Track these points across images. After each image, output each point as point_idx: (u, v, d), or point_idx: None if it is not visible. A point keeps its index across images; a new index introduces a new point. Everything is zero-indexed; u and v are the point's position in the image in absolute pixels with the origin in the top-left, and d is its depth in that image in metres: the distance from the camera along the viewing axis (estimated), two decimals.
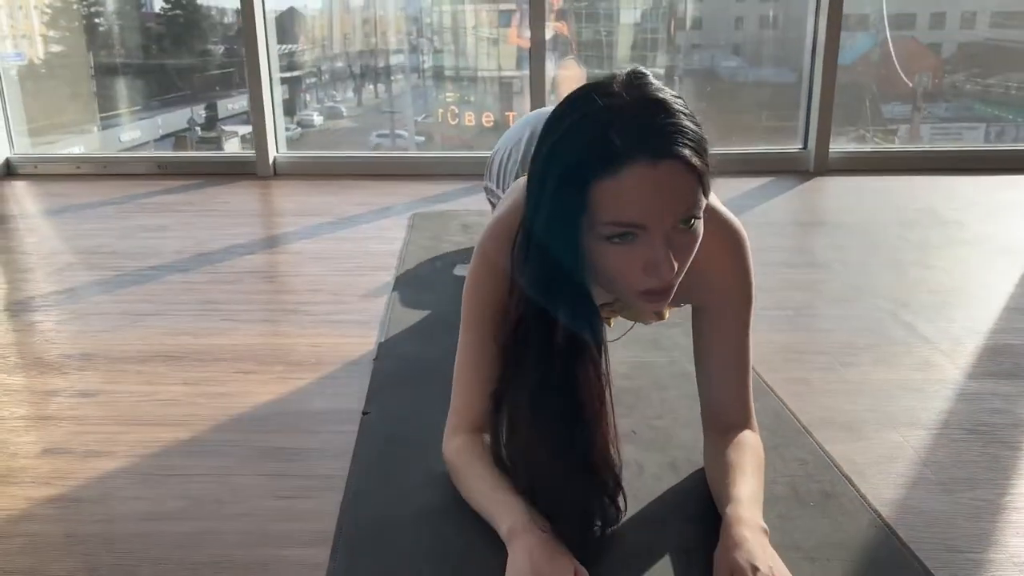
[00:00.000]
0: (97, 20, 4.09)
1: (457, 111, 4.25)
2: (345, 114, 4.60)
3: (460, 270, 2.02)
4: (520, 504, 0.95)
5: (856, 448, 1.23)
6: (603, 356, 0.96)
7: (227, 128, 4.38)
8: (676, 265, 0.85)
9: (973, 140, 4.25)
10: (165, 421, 1.33)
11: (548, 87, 3.23)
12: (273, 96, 3.28)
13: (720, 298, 1.07)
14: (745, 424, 1.10)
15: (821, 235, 2.45)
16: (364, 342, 1.63)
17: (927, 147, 3.75)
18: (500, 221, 1.03)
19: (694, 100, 4.23)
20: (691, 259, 0.89)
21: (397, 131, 4.54)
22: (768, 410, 1.33)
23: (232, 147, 4.38)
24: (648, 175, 0.81)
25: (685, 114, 0.84)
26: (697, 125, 0.85)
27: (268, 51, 3.24)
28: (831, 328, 1.71)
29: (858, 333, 1.67)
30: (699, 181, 0.84)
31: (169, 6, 4.10)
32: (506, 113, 4.18)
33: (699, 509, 1.05)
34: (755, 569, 0.85)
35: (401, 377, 1.46)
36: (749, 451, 1.06)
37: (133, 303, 1.86)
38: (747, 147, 3.46)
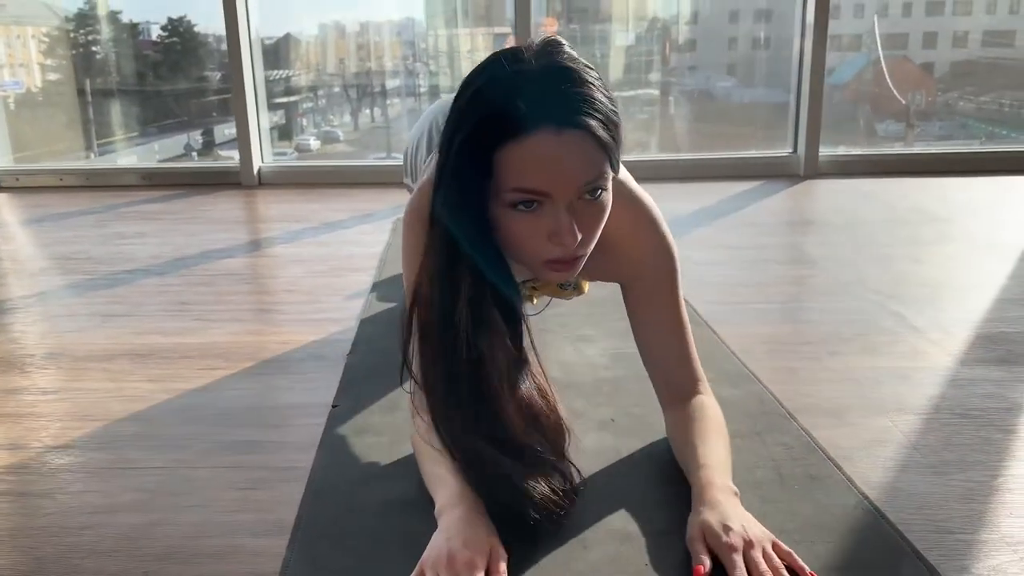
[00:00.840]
0: (94, 48, 4.09)
1: None
2: (342, 138, 4.60)
3: None
4: (453, 481, 0.91)
5: (842, 433, 1.18)
6: (521, 328, 0.93)
7: (224, 153, 4.36)
8: (580, 235, 0.85)
9: (927, 146, 4.23)
10: (125, 417, 1.28)
11: None
12: (258, 102, 3.26)
13: (642, 271, 1.06)
14: (696, 389, 1.08)
15: (810, 234, 2.41)
16: (338, 339, 1.59)
17: (916, 150, 3.74)
18: (415, 199, 1.01)
19: (690, 120, 4.27)
20: (598, 230, 0.89)
21: (394, 154, 4.53)
22: (751, 396, 1.28)
23: None
24: (552, 142, 0.81)
25: (595, 85, 0.83)
26: (608, 97, 0.84)
27: (252, 57, 3.22)
28: (818, 320, 1.66)
29: (846, 324, 1.63)
30: (605, 152, 0.84)
31: (166, 34, 4.10)
32: None
33: (675, 493, 1.00)
34: (727, 528, 0.83)
35: (374, 371, 1.41)
36: (709, 417, 1.04)
37: (103, 305, 1.82)
38: (738, 152, 3.43)
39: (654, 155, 3.73)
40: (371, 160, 3.95)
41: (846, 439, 1.16)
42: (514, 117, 0.81)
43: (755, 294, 1.81)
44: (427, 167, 1.10)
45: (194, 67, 4.24)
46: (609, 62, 4.10)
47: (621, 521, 0.95)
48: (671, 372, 1.07)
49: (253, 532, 0.97)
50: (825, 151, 3.25)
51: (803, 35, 3.20)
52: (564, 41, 0.86)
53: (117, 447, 1.18)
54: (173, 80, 4.20)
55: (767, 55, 4.26)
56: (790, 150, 3.30)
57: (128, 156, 4.13)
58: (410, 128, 4.38)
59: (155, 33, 4.09)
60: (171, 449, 1.17)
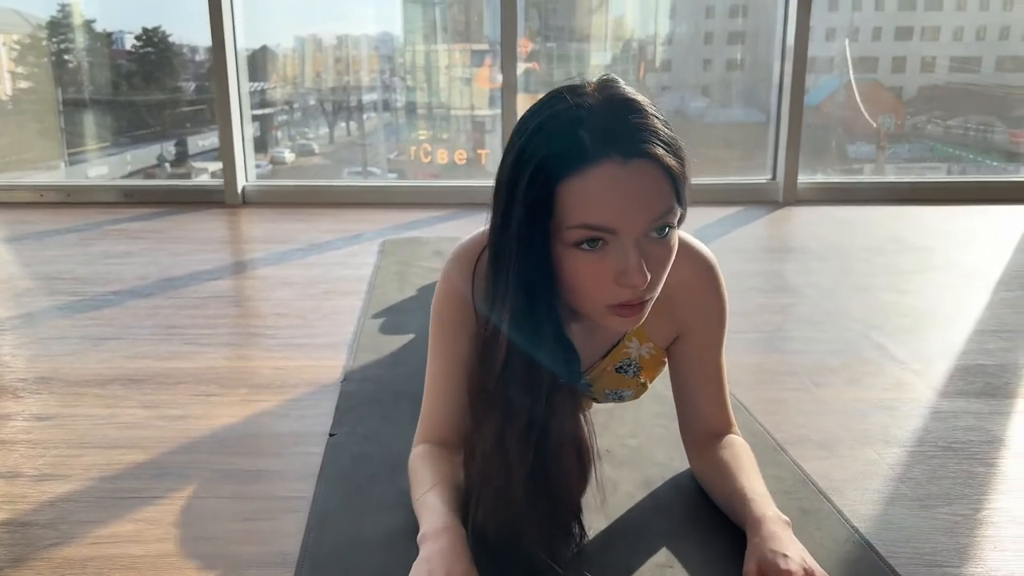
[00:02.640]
0: (67, 57, 4.05)
1: (430, 148, 4.26)
2: (317, 151, 4.60)
3: None
4: (441, 509, 0.91)
5: (831, 465, 1.21)
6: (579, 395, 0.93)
7: (197, 164, 4.35)
8: (649, 276, 0.81)
9: (906, 175, 4.34)
10: (122, 444, 1.28)
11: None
12: (243, 121, 3.26)
13: (695, 325, 1.07)
14: (728, 430, 1.10)
15: (791, 261, 2.46)
16: (331, 365, 1.60)
17: (893, 179, 3.82)
18: (465, 245, 1.02)
19: None
20: (666, 273, 0.86)
21: (369, 168, 4.55)
22: (742, 428, 1.29)
23: (201, 182, 4.35)
24: (618, 173, 0.78)
25: (658, 117, 0.82)
26: (670, 129, 0.83)
27: (238, 75, 3.22)
28: (803, 350, 1.70)
29: (830, 354, 1.67)
30: (673, 185, 0.81)
31: (140, 43, 4.08)
32: (478, 151, 4.21)
33: (674, 525, 1.03)
34: (786, 558, 0.84)
35: (369, 399, 1.42)
36: (742, 452, 1.06)
37: (93, 327, 1.81)
38: (717, 177, 3.49)
39: None
40: (358, 180, 3.96)
41: (836, 471, 1.19)
42: (578, 150, 0.78)
43: (741, 323, 1.85)
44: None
45: (168, 78, 4.22)
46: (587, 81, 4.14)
47: (623, 554, 0.97)
48: (706, 417, 1.09)
49: (258, 564, 0.98)
50: (803, 178, 3.31)
51: (783, 60, 3.27)
52: (619, 78, 0.85)
53: (116, 476, 1.18)
54: (146, 90, 4.18)
55: (741, 76, 4.34)
56: (769, 176, 3.36)
57: (100, 167, 4.09)
58: (388, 137, 4.31)
59: (129, 43, 4.07)
60: (171, 478, 1.18)
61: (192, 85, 4.32)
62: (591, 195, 0.78)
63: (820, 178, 3.44)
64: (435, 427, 1.06)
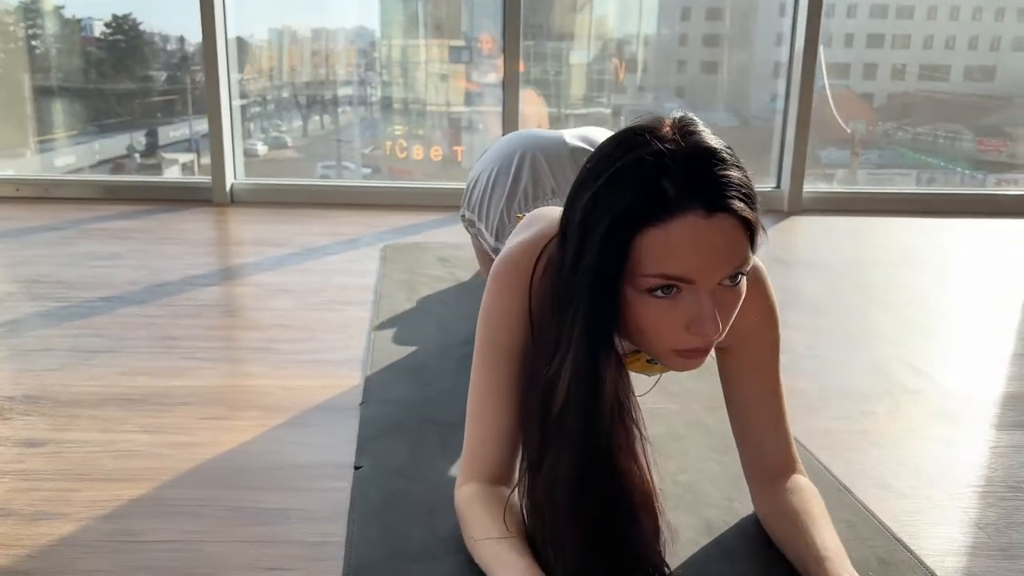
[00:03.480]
0: (34, 43, 3.90)
1: (405, 144, 4.19)
2: (290, 144, 4.49)
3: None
4: (521, 564, 0.85)
5: (896, 507, 1.13)
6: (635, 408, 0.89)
7: (168, 155, 4.22)
8: (720, 324, 0.81)
9: (904, 186, 4.38)
10: (125, 476, 1.16)
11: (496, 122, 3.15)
12: (232, 118, 3.13)
13: (747, 335, 0.99)
14: (793, 466, 1.02)
15: (809, 275, 2.38)
16: (345, 384, 1.49)
17: (904, 189, 3.80)
18: (515, 258, 0.95)
19: None
20: (733, 318, 0.85)
21: (344, 162, 4.47)
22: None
23: (172, 175, 4.23)
24: (700, 227, 0.77)
25: (739, 166, 0.80)
26: (747, 176, 0.80)
27: (228, 73, 3.09)
28: (839, 373, 1.62)
29: (868, 379, 1.59)
30: (750, 237, 0.80)
31: (110, 31, 3.94)
32: (454, 148, 4.15)
33: (746, 574, 0.94)
34: None
35: (393, 425, 1.32)
36: (811, 497, 0.98)
37: (83, 338, 1.68)
38: None
39: None
40: (350, 181, 3.83)
41: (901, 513, 1.11)
42: (661, 199, 0.76)
43: None
44: (526, 223, 1.04)
45: (138, 66, 4.08)
46: (562, 80, 4.09)
47: None
48: (767, 446, 1.02)
49: None
50: (808, 187, 3.25)
51: (790, 65, 3.20)
52: (695, 117, 0.82)
53: (120, 514, 1.07)
54: (116, 79, 4.04)
55: (716, 80, 4.33)
56: (774, 185, 3.29)
57: (68, 156, 3.95)
58: (363, 132, 4.20)
59: (98, 30, 3.93)
60: (182, 517, 1.06)
61: (163, 75, 4.20)
62: (671, 246, 0.77)
63: (824, 187, 3.37)
64: (488, 463, 0.97)
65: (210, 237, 2.62)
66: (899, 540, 1.03)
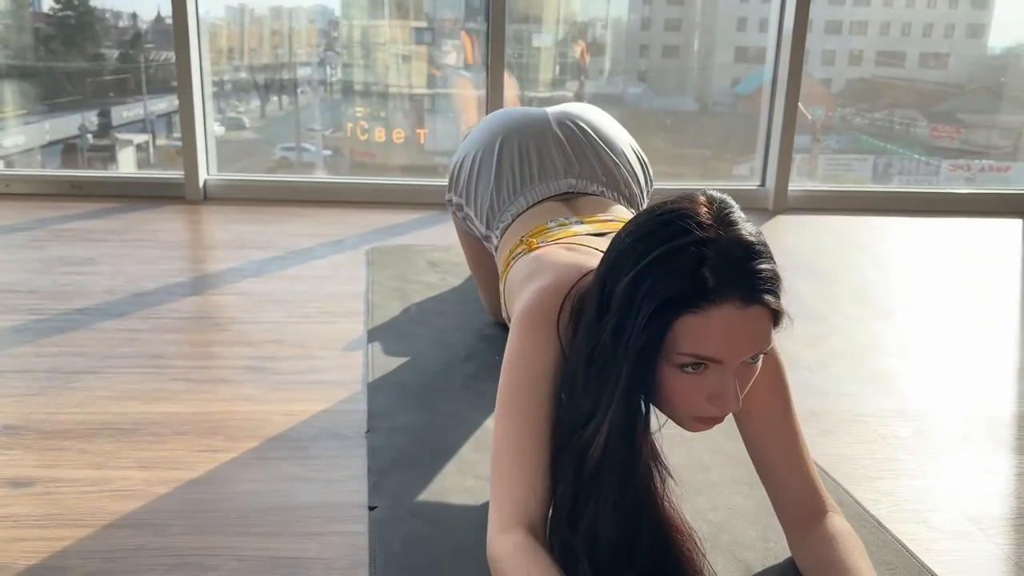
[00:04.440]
0: None
1: (367, 126, 4.11)
2: (248, 125, 4.39)
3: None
4: None
5: (932, 545, 1.10)
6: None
7: (122, 136, 4.10)
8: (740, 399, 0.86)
9: (863, 172, 4.44)
10: (124, 521, 1.09)
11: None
12: (206, 109, 3.00)
13: (755, 383, 0.99)
14: (824, 509, 1.00)
15: (800, 278, 2.36)
16: (346, 408, 1.42)
17: (892, 188, 3.81)
18: (543, 304, 1.00)
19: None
20: (747, 389, 0.90)
21: (303, 144, 4.39)
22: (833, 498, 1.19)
23: (127, 156, 4.13)
24: (736, 317, 0.82)
25: (772, 257, 0.85)
26: (777, 269, 0.85)
27: (200, 61, 2.96)
28: (851, 392, 1.59)
29: (882, 398, 1.56)
30: (776, 323, 0.86)
31: (59, 6, 3.78)
32: (417, 130, 4.08)
33: None
34: None
35: (404, 458, 1.25)
36: (854, 548, 0.95)
37: (63, 357, 1.59)
38: (701, 181, 3.39)
39: None
40: (330, 176, 3.71)
41: (939, 552, 1.08)
42: (702, 290, 0.81)
43: None
44: (546, 265, 1.09)
45: (89, 43, 3.94)
46: (526, 63, 4.04)
47: None
48: (794, 492, 1.00)
49: None
50: (794, 185, 3.23)
51: (777, 58, 3.15)
52: (731, 200, 0.87)
53: (124, 567, 0.99)
54: (67, 56, 3.90)
55: (677, 64, 4.34)
56: (759, 183, 3.26)
57: (16, 135, 3.80)
58: (324, 114, 4.08)
59: (47, 5, 3.78)
60: (190, 569, 0.99)
61: (115, 53, 4.07)
62: (708, 332, 0.82)
63: (810, 185, 3.35)
64: (525, 508, 0.92)
65: (186, 239, 2.52)
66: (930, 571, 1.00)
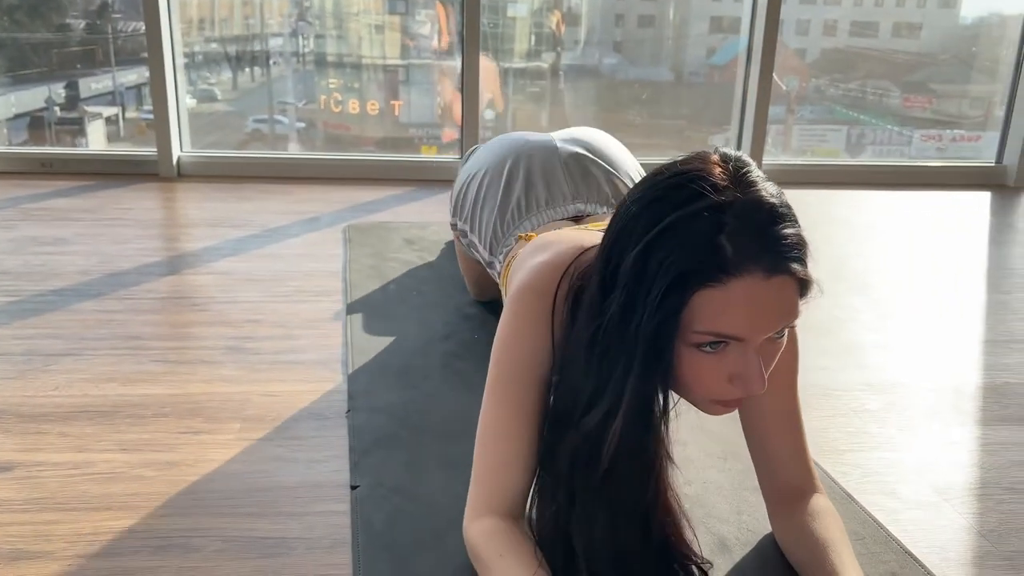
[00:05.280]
0: None
1: (340, 98, 4.08)
2: (219, 97, 4.33)
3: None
4: None
5: (899, 516, 1.14)
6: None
7: (91, 109, 4.01)
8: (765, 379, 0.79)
9: (836, 143, 4.48)
10: (107, 504, 1.09)
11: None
12: (178, 80, 2.97)
13: None
14: (812, 487, 1.01)
15: None
16: (330, 389, 1.43)
17: (855, 162, 3.84)
18: (537, 280, 0.93)
19: (576, 95, 4.25)
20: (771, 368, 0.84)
21: (276, 116, 4.34)
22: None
23: (96, 129, 4.04)
24: (759, 289, 0.75)
25: (796, 221, 0.78)
26: (800, 227, 0.78)
27: (171, 31, 2.92)
28: (826, 365, 1.62)
29: (855, 370, 1.60)
30: (803, 294, 0.79)
31: None
32: (391, 102, 4.05)
33: None
34: None
35: (386, 437, 1.27)
36: (833, 523, 0.96)
37: (39, 339, 1.58)
38: (674, 152, 3.39)
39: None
40: (304, 153, 3.69)
41: (905, 521, 1.12)
42: (721, 261, 0.73)
43: None
44: (543, 242, 1.03)
45: (55, 13, 3.86)
46: (501, 33, 4.02)
47: None
48: (786, 467, 1.01)
49: None
50: (768, 159, 3.25)
51: (752, 28, 3.16)
52: (747, 159, 0.79)
53: (109, 550, 1.00)
54: (31, 27, 3.81)
55: (653, 34, 4.30)
56: None
57: None
58: (295, 88, 4.04)
59: None
60: (176, 551, 1.00)
61: (82, 23, 3.98)
62: (729, 307, 0.75)
63: (784, 160, 3.38)
64: (503, 495, 0.93)
65: (161, 217, 2.50)
66: (910, 554, 1.04)
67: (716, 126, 3.76)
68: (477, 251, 1.52)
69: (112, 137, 4.35)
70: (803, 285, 0.78)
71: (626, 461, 0.84)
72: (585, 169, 1.47)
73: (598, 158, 1.49)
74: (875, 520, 1.10)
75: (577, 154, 1.48)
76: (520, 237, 1.31)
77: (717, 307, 0.74)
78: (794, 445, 1.01)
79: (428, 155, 3.47)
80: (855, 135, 4.54)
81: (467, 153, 1.70)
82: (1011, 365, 1.65)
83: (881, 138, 4.66)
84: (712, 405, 0.84)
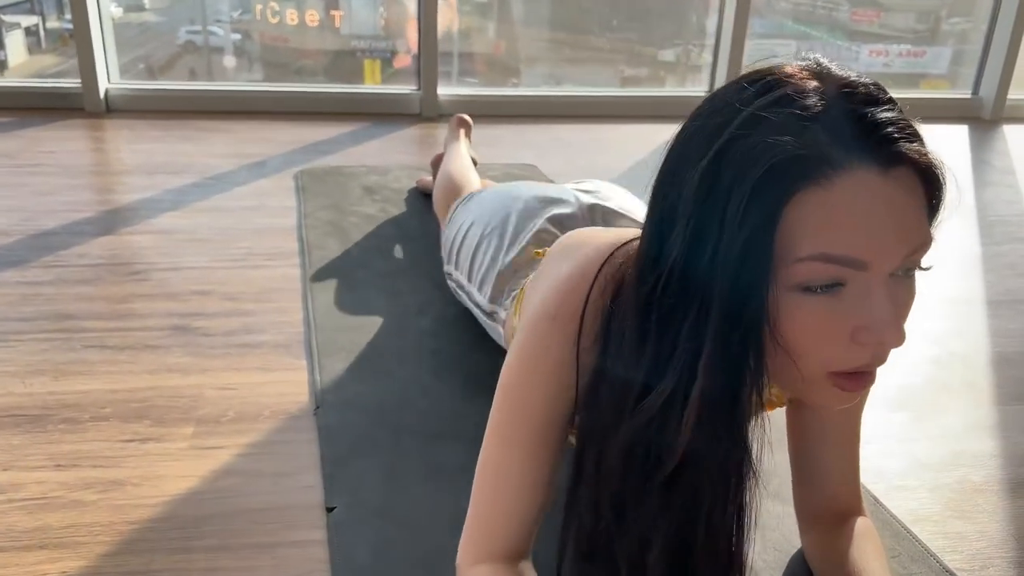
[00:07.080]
0: None
1: (277, 8, 3.82)
2: (148, 6, 4.02)
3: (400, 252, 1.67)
4: None
5: (930, 512, 1.05)
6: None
7: (7, 19, 3.71)
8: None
9: (786, 57, 4.39)
10: (43, 541, 0.94)
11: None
12: (101, 7, 2.68)
13: None
14: (859, 510, 0.91)
15: None
16: (293, 380, 1.28)
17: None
18: (558, 299, 0.73)
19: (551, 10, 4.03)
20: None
21: (210, 28, 4.06)
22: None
23: (15, 41, 3.72)
24: (875, 187, 0.55)
25: (896, 106, 0.59)
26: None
27: None
28: None
29: None
30: (930, 204, 0.60)
31: None
32: (331, 12, 3.83)
33: None
34: None
35: (361, 440, 1.13)
36: (872, 548, 0.86)
37: None
38: (657, 90, 3.24)
39: (569, 89, 3.45)
40: (248, 85, 3.39)
41: (938, 523, 1.03)
42: (818, 150, 0.54)
43: None
44: (565, 250, 0.82)
45: None
46: None
47: None
48: (834, 492, 0.89)
49: None
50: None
51: None
52: (828, 61, 0.61)
53: None
54: None
55: None
56: (706, 89, 3.13)
57: None
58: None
59: None
60: None
61: None
62: (836, 215, 0.55)
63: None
64: (506, 540, 0.79)
65: (90, 162, 2.26)
66: (948, 570, 0.95)
67: (665, 39, 3.63)
68: (473, 298, 1.30)
69: (33, 49, 4.02)
70: (932, 192, 0.59)
71: (699, 463, 0.64)
72: (605, 220, 1.26)
73: (618, 208, 1.27)
74: (907, 529, 1.01)
75: (595, 205, 1.27)
76: (536, 254, 1.14)
77: (822, 219, 0.55)
78: (850, 463, 0.90)
79: (383, 87, 3.23)
80: (805, 50, 4.44)
81: (456, 202, 1.49)
82: (1015, 331, 1.56)
83: (830, 53, 4.55)
84: (828, 388, 0.61)
